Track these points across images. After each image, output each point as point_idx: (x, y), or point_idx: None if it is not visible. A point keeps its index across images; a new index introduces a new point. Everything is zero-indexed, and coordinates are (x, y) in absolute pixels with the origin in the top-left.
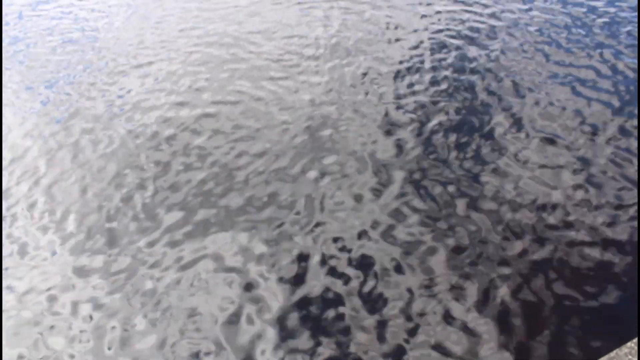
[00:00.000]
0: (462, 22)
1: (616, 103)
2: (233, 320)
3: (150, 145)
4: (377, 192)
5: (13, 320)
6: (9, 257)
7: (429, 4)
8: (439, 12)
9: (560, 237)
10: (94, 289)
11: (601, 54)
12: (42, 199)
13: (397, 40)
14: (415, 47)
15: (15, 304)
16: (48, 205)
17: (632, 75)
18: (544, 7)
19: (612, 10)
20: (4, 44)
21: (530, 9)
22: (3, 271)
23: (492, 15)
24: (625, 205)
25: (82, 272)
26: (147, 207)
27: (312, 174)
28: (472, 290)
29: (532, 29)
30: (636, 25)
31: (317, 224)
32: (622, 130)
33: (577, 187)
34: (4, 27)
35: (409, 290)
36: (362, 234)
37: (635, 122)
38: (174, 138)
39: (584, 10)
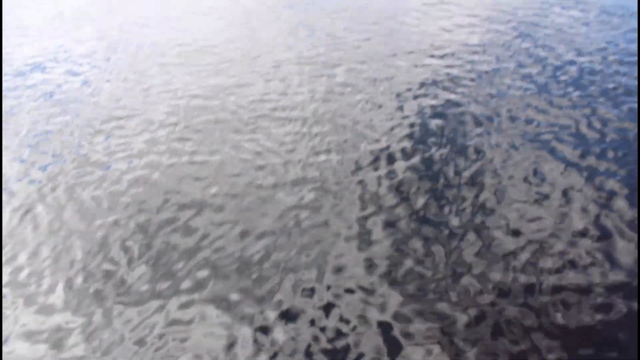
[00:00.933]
0: (450, 81)
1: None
2: None
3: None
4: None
5: None
6: None
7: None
8: (422, 66)
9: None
10: None
11: (589, 110)
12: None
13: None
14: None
15: None
16: (29, 268)
17: (609, 129)
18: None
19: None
20: None
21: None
22: None
23: (478, 80)
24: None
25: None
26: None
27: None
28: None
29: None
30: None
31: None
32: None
33: (580, 234)
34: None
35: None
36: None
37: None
38: (157, 194)
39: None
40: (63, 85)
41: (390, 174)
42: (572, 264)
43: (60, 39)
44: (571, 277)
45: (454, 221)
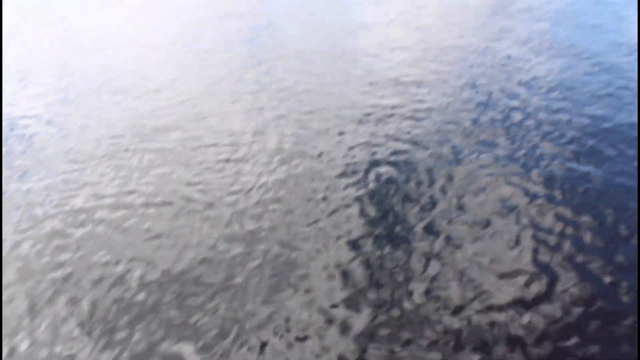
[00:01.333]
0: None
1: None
2: None
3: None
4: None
5: None
6: None
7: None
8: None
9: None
10: None
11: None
12: None
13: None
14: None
15: None
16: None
17: (559, 170)
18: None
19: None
20: None
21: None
22: None
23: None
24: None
25: None
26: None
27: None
28: None
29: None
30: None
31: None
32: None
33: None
34: None
35: None
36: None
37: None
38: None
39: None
40: (18, 129)
41: (347, 222)
42: (553, 300)
43: (11, 85)
44: (558, 314)
45: (423, 260)
